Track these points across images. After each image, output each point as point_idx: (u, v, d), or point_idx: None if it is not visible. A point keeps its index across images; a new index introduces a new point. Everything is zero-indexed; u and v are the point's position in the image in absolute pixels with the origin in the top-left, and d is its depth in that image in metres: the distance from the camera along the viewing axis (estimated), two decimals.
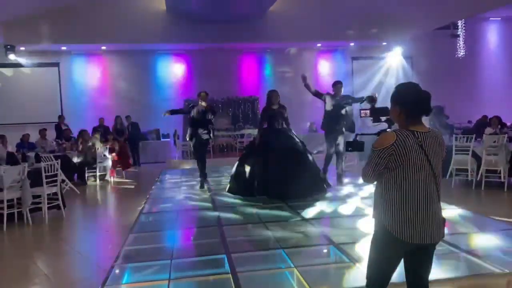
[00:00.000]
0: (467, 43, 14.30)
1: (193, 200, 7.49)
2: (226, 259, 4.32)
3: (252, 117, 14.98)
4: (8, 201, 6.13)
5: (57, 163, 6.81)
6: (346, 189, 7.73)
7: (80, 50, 14.17)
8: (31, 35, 12.06)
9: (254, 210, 6.41)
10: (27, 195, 6.26)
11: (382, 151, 2.37)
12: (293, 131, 7.55)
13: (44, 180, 6.46)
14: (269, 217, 5.96)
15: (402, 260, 2.50)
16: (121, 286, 3.87)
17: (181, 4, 12.70)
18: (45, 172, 6.47)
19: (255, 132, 9.46)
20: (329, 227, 5.52)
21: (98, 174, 9.81)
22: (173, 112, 8.68)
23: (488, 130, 8.90)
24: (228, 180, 7.89)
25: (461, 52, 14.18)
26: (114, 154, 10.68)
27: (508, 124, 10.57)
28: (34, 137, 11.18)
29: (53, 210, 6.84)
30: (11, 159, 7.01)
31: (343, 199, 6.95)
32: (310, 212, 6.12)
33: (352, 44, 14.86)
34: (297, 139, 7.38)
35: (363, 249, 4.28)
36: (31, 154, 8.07)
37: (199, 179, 8.59)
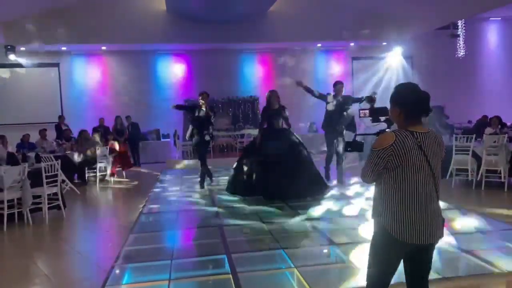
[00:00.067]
0: (467, 43, 14.29)
1: (193, 200, 7.50)
2: (226, 259, 4.33)
3: (252, 117, 14.97)
4: (8, 201, 6.13)
5: (57, 163, 6.81)
6: (346, 189, 7.74)
7: (80, 51, 14.17)
8: (31, 35, 12.05)
9: (254, 210, 6.42)
10: (27, 195, 6.27)
11: (381, 152, 2.37)
12: (294, 132, 7.55)
13: (45, 180, 6.46)
14: (269, 217, 5.96)
15: (402, 260, 2.50)
16: (121, 286, 3.87)
17: (181, 4, 12.71)
18: (45, 172, 6.47)
19: (255, 132, 9.45)
20: (330, 227, 5.52)
21: (98, 174, 9.81)
22: (178, 107, 8.67)
23: (488, 130, 8.90)
24: (228, 180, 7.90)
25: (461, 52, 14.18)
26: (114, 154, 10.68)
27: (508, 124, 10.57)
28: (34, 137, 11.17)
29: (53, 210, 6.84)
30: (12, 160, 7.01)
31: (343, 199, 6.95)
32: (310, 212, 6.13)
33: (352, 44, 14.85)
34: (296, 140, 7.39)
35: (363, 249, 4.29)
36: (31, 155, 8.07)
37: (199, 179, 8.61)
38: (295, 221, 5.74)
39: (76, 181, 9.89)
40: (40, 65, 13.82)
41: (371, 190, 6.45)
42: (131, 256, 4.63)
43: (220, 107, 14.59)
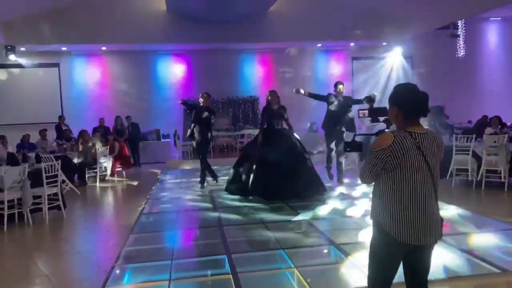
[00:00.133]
0: (467, 43, 14.27)
1: (194, 201, 7.50)
2: (226, 259, 4.33)
3: (252, 117, 14.97)
4: (8, 201, 6.13)
5: (58, 163, 6.81)
6: (346, 189, 7.74)
7: (80, 51, 14.16)
8: (32, 35, 12.05)
9: (254, 210, 6.42)
10: (27, 195, 6.27)
11: (379, 152, 2.37)
12: (294, 131, 7.55)
13: (45, 181, 6.47)
14: (270, 218, 5.97)
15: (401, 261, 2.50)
16: (121, 287, 3.88)
17: (181, 4, 12.71)
18: (45, 173, 6.48)
19: (255, 132, 9.47)
20: (329, 227, 5.52)
21: (98, 174, 9.82)
22: (184, 103, 8.64)
23: (488, 130, 8.90)
24: (227, 180, 7.91)
25: (461, 52, 14.16)
26: (114, 154, 10.68)
27: (508, 124, 10.57)
28: (34, 137, 11.17)
29: (53, 210, 6.84)
30: (12, 160, 7.01)
31: (343, 199, 6.96)
32: (310, 212, 6.13)
33: (352, 44, 14.85)
34: (296, 140, 7.39)
35: (363, 249, 4.29)
36: (32, 155, 8.07)
37: (199, 179, 8.62)
38: (295, 221, 5.74)
39: (76, 181, 9.89)
40: (40, 65, 13.82)
41: (371, 190, 6.44)
42: (132, 256, 4.64)
43: (220, 107, 14.59)
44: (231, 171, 7.77)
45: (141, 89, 14.26)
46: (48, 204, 6.60)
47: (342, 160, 8.21)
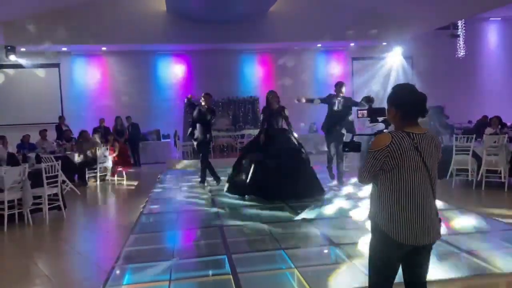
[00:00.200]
0: (467, 43, 14.28)
1: (194, 201, 7.50)
2: (226, 259, 4.33)
3: (252, 118, 14.98)
4: (8, 202, 6.13)
5: (58, 164, 6.81)
6: (346, 190, 7.75)
7: (80, 51, 14.17)
8: (32, 36, 12.07)
9: (254, 211, 6.42)
10: (27, 196, 6.27)
11: (377, 153, 2.37)
12: (294, 132, 7.55)
13: (45, 181, 6.47)
14: (270, 218, 5.97)
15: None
16: (122, 287, 3.88)
17: (181, 5, 12.71)
18: (45, 173, 6.48)
19: (255, 132, 9.47)
20: (330, 227, 5.52)
21: (98, 174, 9.82)
22: (189, 100, 8.61)
23: (489, 130, 8.90)
24: (227, 180, 7.91)
25: (461, 52, 14.17)
26: (114, 154, 10.68)
27: (508, 124, 10.57)
28: (34, 138, 11.18)
29: (53, 210, 6.84)
30: (12, 160, 7.01)
31: (344, 200, 6.96)
32: (310, 213, 6.13)
33: (352, 44, 14.86)
34: (295, 140, 7.39)
35: (363, 249, 4.29)
36: (32, 155, 8.08)
37: (199, 179, 8.62)
38: (296, 222, 5.75)
39: (77, 181, 9.89)
40: (41, 65, 13.83)
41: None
42: (132, 257, 4.64)
43: (220, 108, 14.59)
44: (231, 171, 7.77)
45: (141, 90, 14.27)
46: (48, 204, 6.60)
47: (342, 160, 8.21)
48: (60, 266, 4.80)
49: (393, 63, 15.45)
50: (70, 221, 6.81)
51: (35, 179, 6.51)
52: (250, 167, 7.24)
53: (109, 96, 14.30)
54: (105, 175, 10.18)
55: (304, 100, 7.97)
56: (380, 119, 3.03)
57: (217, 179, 8.53)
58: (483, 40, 16.18)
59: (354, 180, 8.42)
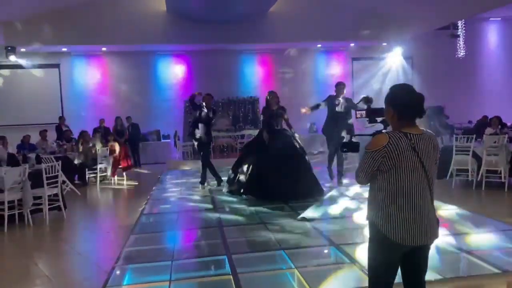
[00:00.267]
0: (467, 43, 14.28)
1: (194, 201, 7.50)
2: (227, 260, 4.33)
3: (252, 118, 14.98)
4: (9, 202, 6.14)
5: (58, 164, 6.81)
6: (346, 190, 7.74)
7: (81, 51, 14.17)
8: (32, 36, 12.08)
9: (254, 211, 6.42)
10: (28, 196, 6.27)
11: (374, 153, 2.37)
12: (295, 133, 7.54)
13: (45, 181, 6.47)
14: (270, 218, 5.97)
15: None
16: (122, 287, 3.88)
17: (181, 5, 12.71)
18: (45, 173, 6.48)
19: (255, 132, 9.46)
20: (330, 227, 5.52)
21: (98, 175, 9.82)
22: (192, 99, 8.58)
23: (489, 130, 8.90)
24: (227, 180, 7.91)
25: (461, 52, 14.16)
26: (114, 155, 10.68)
27: (509, 124, 10.56)
28: (34, 138, 11.18)
29: (54, 211, 6.84)
30: (12, 161, 7.01)
31: (344, 200, 6.96)
32: (310, 213, 6.13)
33: (352, 44, 14.86)
34: (295, 141, 7.38)
35: (363, 249, 4.29)
36: (32, 155, 8.08)
37: (199, 180, 8.62)
38: (296, 222, 5.75)
39: (77, 182, 9.89)
40: (41, 66, 13.84)
41: None
42: (132, 257, 4.64)
43: (220, 108, 14.59)
44: (231, 171, 7.77)
45: (141, 90, 14.28)
46: (49, 204, 6.60)
47: (343, 161, 8.21)
48: (60, 266, 4.81)
49: (393, 63, 15.45)
50: (70, 221, 6.81)
51: (35, 179, 6.51)
52: (250, 167, 7.24)
53: (109, 96, 14.31)
54: (105, 175, 10.18)
55: (310, 111, 7.92)
56: (379, 119, 3.02)
57: (218, 179, 8.53)
58: (483, 40, 16.18)
59: (354, 180, 8.42)
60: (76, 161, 9.86)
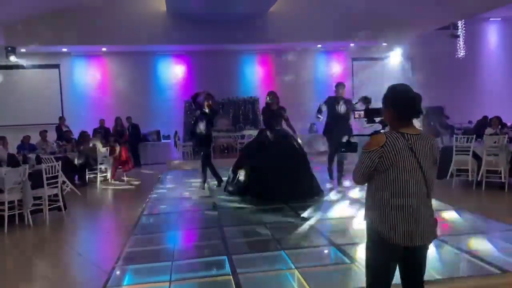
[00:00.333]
0: (467, 43, 14.28)
1: (194, 201, 7.51)
2: (227, 260, 4.33)
3: (252, 118, 14.98)
4: (9, 202, 6.14)
5: (58, 164, 6.82)
6: (346, 190, 7.74)
7: (81, 52, 14.18)
8: (32, 36, 12.07)
9: (254, 211, 6.42)
10: (28, 196, 6.27)
11: (371, 153, 2.36)
12: (296, 132, 7.55)
13: (45, 182, 6.47)
14: (270, 218, 5.96)
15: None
16: None
17: (181, 5, 12.71)
18: (46, 174, 6.48)
19: (255, 133, 9.47)
20: (330, 228, 5.52)
21: (99, 175, 9.82)
22: (195, 98, 8.59)
23: (489, 130, 8.89)
24: (227, 181, 7.91)
25: (461, 53, 14.17)
26: (115, 155, 10.68)
27: (509, 124, 10.55)
28: (34, 138, 11.17)
29: (54, 211, 6.84)
30: (12, 161, 7.01)
31: (344, 201, 6.96)
32: (310, 213, 6.13)
33: (352, 45, 14.85)
34: (295, 141, 7.38)
35: (363, 249, 4.29)
36: (32, 156, 8.08)
37: (199, 180, 8.62)
38: (296, 222, 5.75)
39: (77, 182, 9.89)
40: (41, 66, 13.85)
41: None
42: (132, 258, 4.64)
43: (220, 108, 14.58)
44: (231, 171, 7.77)
45: (141, 90, 14.28)
46: (49, 205, 6.60)
47: (343, 162, 8.21)
48: (60, 266, 4.81)
49: (393, 64, 15.44)
50: (70, 222, 6.81)
51: (36, 180, 6.51)
52: (250, 168, 7.24)
53: (109, 96, 14.31)
54: (105, 175, 10.18)
55: (320, 120, 7.93)
56: (377, 119, 3.02)
57: (218, 179, 8.53)
58: (483, 40, 16.18)
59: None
60: (76, 162, 9.86)
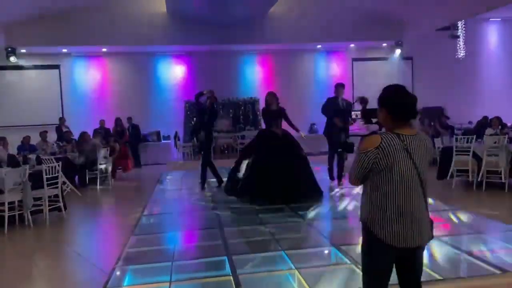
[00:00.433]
0: (467, 43, 14.27)
1: (194, 202, 7.51)
2: (227, 260, 4.34)
3: (252, 119, 14.98)
4: (9, 203, 6.13)
5: (58, 165, 6.82)
6: (346, 191, 7.75)
7: (81, 52, 14.16)
8: (32, 37, 12.07)
9: (254, 212, 6.42)
10: (28, 197, 6.27)
11: (366, 154, 2.36)
12: (301, 132, 7.57)
13: (45, 182, 6.47)
14: (270, 219, 5.97)
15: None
16: None
17: (182, 6, 12.71)
18: (46, 174, 6.48)
19: (255, 133, 9.47)
20: (330, 228, 5.53)
21: (99, 176, 9.82)
22: (198, 97, 8.59)
23: (489, 130, 8.90)
24: (227, 181, 7.92)
25: (461, 53, 14.16)
26: (115, 156, 10.68)
27: (509, 124, 10.56)
28: (35, 139, 11.18)
29: (54, 212, 6.84)
30: (12, 162, 7.01)
31: (344, 200, 6.96)
32: (310, 214, 6.14)
33: (352, 45, 14.86)
34: (295, 141, 7.39)
35: None
36: (32, 156, 8.08)
37: (199, 180, 8.62)
38: (296, 222, 5.75)
39: (77, 183, 9.89)
40: (41, 67, 13.85)
41: None
42: (132, 258, 4.64)
43: (220, 109, 14.58)
44: (231, 172, 7.77)
45: (142, 91, 14.29)
46: (49, 205, 6.60)
47: (343, 162, 8.22)
48: (60, 267, 4.81)
49: (393, 64, 15.44)
50: (70, 222, 6.81)
51: (36, 180, 6.51)
52: (249, 168, 7.24)
53: (110, 97, 14.31)
54: (106, 176, 10.18)
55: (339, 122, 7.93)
56: (374, 120, 3.02)
57: (219, 179, 8.53)
58: (483, 40, 16.16)
59: None
60: (76, 162, 9.86)
